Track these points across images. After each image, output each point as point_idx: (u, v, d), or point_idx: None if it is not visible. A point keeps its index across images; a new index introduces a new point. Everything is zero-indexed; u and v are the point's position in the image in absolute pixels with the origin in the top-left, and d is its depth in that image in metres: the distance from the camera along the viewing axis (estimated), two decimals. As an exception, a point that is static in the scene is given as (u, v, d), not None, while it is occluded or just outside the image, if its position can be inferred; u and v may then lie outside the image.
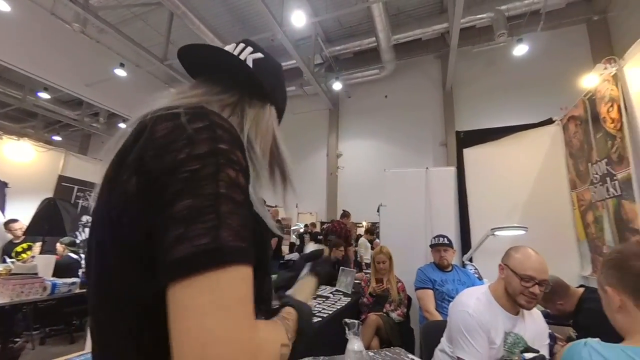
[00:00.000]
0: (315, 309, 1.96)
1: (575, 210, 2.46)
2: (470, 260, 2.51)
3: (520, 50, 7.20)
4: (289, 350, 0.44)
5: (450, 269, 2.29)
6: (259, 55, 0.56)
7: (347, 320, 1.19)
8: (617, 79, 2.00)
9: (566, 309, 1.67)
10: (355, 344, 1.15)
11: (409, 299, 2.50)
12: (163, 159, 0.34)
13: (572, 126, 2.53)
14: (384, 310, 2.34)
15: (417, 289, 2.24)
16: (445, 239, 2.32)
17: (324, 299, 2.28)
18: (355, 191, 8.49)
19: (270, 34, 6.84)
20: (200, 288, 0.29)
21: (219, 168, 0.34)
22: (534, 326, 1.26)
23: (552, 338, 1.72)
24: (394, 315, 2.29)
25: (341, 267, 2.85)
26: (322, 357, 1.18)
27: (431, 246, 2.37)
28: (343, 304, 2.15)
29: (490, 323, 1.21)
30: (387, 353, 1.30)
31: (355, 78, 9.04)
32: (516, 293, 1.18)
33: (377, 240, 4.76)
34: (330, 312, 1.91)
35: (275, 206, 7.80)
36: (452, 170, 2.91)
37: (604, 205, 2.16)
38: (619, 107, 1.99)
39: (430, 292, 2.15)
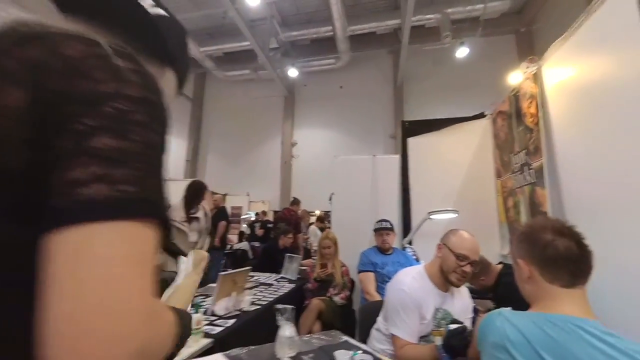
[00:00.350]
0: (255, 296, 1.86)
1: (499, 196, 2.71)
2: (410, 243, 2.63)
3: (462, 52, 7.80)
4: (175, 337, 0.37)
5: (391, 252, 2.36)
6: (162, 12, 0.44)
7: (278, 306, 1.12)
8: (537, 77, 2.20)
9: (487, 283, 1.82)
10: (287, 330, 1.09)
11: (353, 282, 2.54)
12: (77, 83, 0.28)
13: (500, 120, 2.76)
14: (328, 294, 2.34)
15: (359, 272, 2.28)
16: (388, 223, 2.39)
17: (266, 287, 2.19)
18: (309, 180, 8.46)
19: (222, 10, 6.34)
20: (114, 236, 0.26)
21: (151, 119, 0.30)
22: (461, 302, 1.33)
23: (475, 311, 1.86)
24: (337, 298, 2.30)
25: (287, 254, 2.78)
26: (251, 347, 1.10)
27: (374, 230, 2.42)
28: (285, 291, 2.09)
29: (423, 299, 1.25)
30: (322, 336, 1.27)
31: (312, 66, 8.91)
32: (449, 271, 1.23)
33: (329, 228, 4.79)
34: (270, 300, 1.82)
35: (225, 194, 7.42)
36: (396, 158, 3.00)
37: (521, 191, 2.40)
38: (537, 103, 2.20)
39: (372, 274, 2.20)
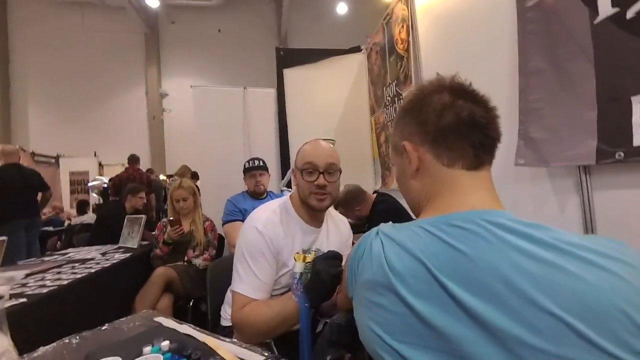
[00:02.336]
0: (32, 285, 1.09)
1: (372, 133, 2.62)
2: (289, 185, 2.25)
3: (342, 9, 7.68)
4: None
5: (264, 196, 1.91)
6: None
7: None
8: (407, -1, 2.00)
9: (363, 213, 1.63)
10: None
11: (223, 238, 2.01)
12: None
13: (374, 54, 2.58)
14: (187, 258, 1.74)
15: (224, 223, 1.75)
16: (260, 161, 1.90)
17: (76, 264, 1.39)
18: (187, 138, 7.03)
19: None
20: None
21: None
22: (339, 238, 0.98)
23: (353, 245, 1.67)
24: (198, 261, 1.74)
25: (126, 216, 1.96)
26: None
27: (245, 171, 1.90)
28: (106, 265, 1.36)
29: (285, 240, 0.84)
30: (121, 326, 0.71)
31: (179, -2, 7.01)
32: (306, 194, 0.84)
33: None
34: (63, 284, 1.08)
35: (57, 156, 5.31)
36: (272, 92, 2.48)
37: (392, 124, 2.33)
38: (407, 27, 2.03)
39: (239, 223, 1.71)
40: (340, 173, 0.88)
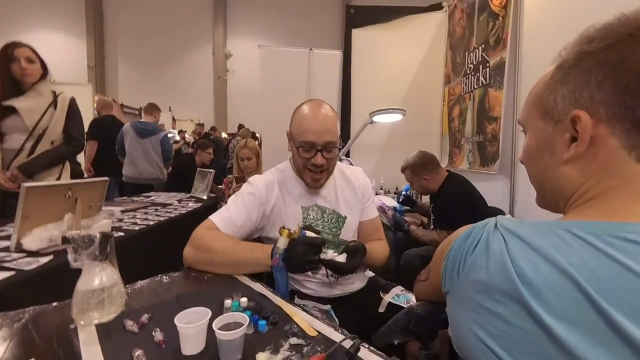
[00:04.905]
0: (128, 221, 1.24)
1: (444, 106, 2.33)
2: (347, 155, 2.18)
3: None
4: None
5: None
6: None
7: (70, 233, 0.53)
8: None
9: (429, 185, 1.49)
10: (92, 277, 0.52)
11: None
12: None
13: (458, 12, 2.19)
14: (247, 213, 1.85)
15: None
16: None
17: (158, 207, 1.57)
18: (249, 99, 7.26)
19: None
20: None
21: None
22: (348, 191, 0.89)
23: (400, 219, 1.54)
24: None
25: (198, 169, 2.13)
26: (33, 308, 0.52)
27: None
28: (183, 212, 1.50)
29: (277, 192, 0.82)
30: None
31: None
32: (301, 169, 0.81)
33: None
34: (150, 224, 1.23)
35: (140, 108, 5.91)
36: (338, 54, 2.31)
37: (470, 96, 2.02)
38: (511, -24, 1.64)
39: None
40: (340, 148, 0.83)
